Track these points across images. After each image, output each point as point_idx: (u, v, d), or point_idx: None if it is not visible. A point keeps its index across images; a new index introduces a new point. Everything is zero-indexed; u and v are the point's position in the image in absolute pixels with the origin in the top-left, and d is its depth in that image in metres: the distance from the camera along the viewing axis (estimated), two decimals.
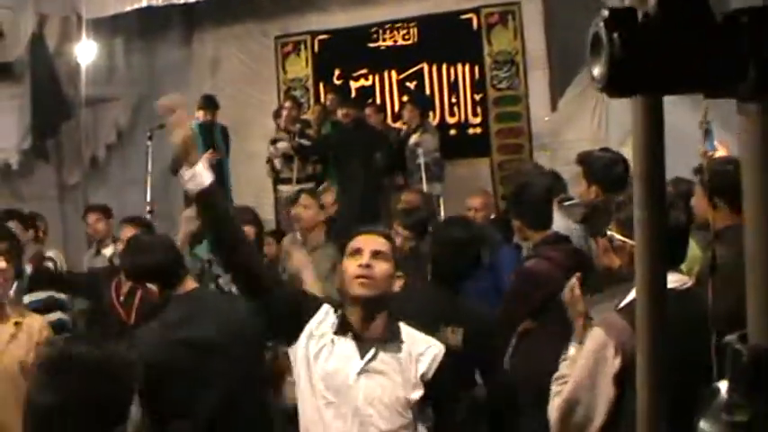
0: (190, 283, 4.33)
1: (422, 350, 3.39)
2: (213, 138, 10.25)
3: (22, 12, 10.44)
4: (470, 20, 11.65)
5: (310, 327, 3.40)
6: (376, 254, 3.37)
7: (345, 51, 12.31)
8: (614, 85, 1.22)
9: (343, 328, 3.36)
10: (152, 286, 4.33)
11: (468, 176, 11.08)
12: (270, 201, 11.20)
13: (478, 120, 11.65)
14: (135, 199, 11.15)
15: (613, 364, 2.93)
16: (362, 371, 3.31)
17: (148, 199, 9.81)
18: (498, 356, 4.82)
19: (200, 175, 3.24)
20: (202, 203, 3.33)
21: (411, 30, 11.92)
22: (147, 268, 4.33)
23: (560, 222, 5.83)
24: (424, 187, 9.32)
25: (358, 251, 3.38)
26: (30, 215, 8.15)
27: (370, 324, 3.37)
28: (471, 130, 11.69)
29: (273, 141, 10.71)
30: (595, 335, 3.02)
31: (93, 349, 2.31)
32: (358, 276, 3.33)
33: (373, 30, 12.09)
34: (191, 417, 4.09)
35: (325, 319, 3.43)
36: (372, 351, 3.33)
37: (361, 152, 10.22)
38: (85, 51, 10.93)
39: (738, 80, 1.18)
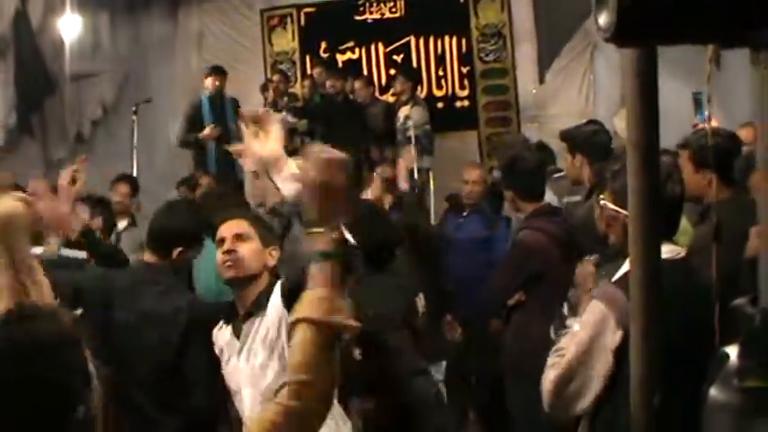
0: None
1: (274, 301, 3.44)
2: (223, 109, 10.16)
3: None
4: None
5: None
6: (238, 237, 3.55)
7: (332, 24, 12.25)
8: (622, 34, 1.18)
9: (225, 319, 3.62)
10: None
11: (456, 149, 11.07)
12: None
13: (466, 92, 11.65)
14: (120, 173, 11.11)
15: (613, 338, 2.89)
16: (242, 351, 3.47)
17: (135, 174, 9.75)
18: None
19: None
20: None
21: (398, 2, 11.87)
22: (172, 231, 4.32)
23: (550, 195, 5.85)
24: (414, 161, 9.26)
25: (221, 240, 3.58)
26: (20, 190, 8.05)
27: (243, 303, 3.54)
28: (459, 103, 11.68)
29: None
30: (595, 308, 2.98)
31: (48, 327, 2.27)
32: (224, 262, 3.51)
33: (360, 2, 12.03)
34: None
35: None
36: (245, 327, 3.48)
37: (349, 124, 10.22)
38: (70, 26, 10.82)
39: (753, 27, 1.14)
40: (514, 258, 5.20)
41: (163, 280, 4.07)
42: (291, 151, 8.21)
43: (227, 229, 3.59)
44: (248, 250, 3.52)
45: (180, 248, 4.10)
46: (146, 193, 9.80)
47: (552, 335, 3.65)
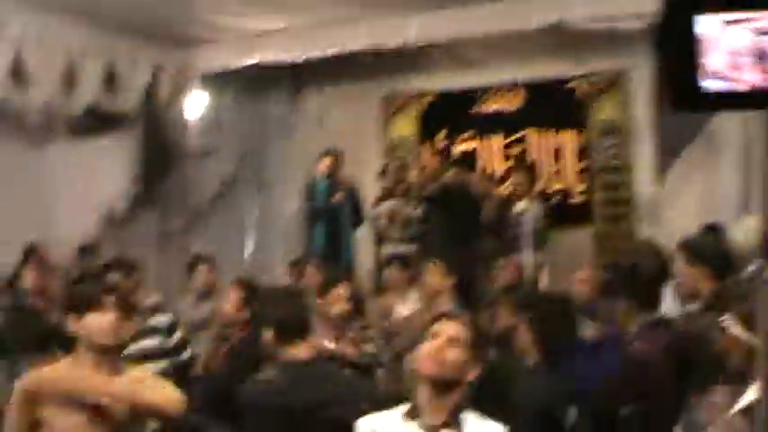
0: (305, 350, 4.33)
1: None
2: (335, 191, 10.43)
3: (138, 64, 10.67)
4: (577, 87, 11.57)
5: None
6: (451, 340, 3.45)
7: (451, 113, 12.32)
8: None
9: (411, 412, 3.43)
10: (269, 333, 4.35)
11: (570, 246, 10.94)
12: (371, 260, 11.19)
13: (582, 188, 11.54)
14: (234, 250, 11.32)
15: None
16: None
17: (246, 252, 9.93)
18: None
19: None
20: None
21: (517, 95, 11.89)
22: (271, 316, 4.35)
23: (671, 303, 5.71)
24: (529, 256, 9.20)
25: (435, 334, 3.48)
26: (130, 263, 8.19)
27: (438, 409, 3.39)
28: (574, 199, 11.57)
29: (377, 201, 10.76)
30: None
31: None
32: (429, 357, 3.42)
33: (479, 93, 12.09)
34: None
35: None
36: None
37: (464, 215, 10.24)
38: (195, 104, 11.13)
39: None
40: (626, 370, 5.06)
41: None
42: (408, 239, 8.26)
43: (444, 328, 3.51)
44: (455, 357, 3.44)
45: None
46: (259, 272, 10.01)
47: None
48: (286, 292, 4.93)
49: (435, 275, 6.78)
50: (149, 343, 6.43)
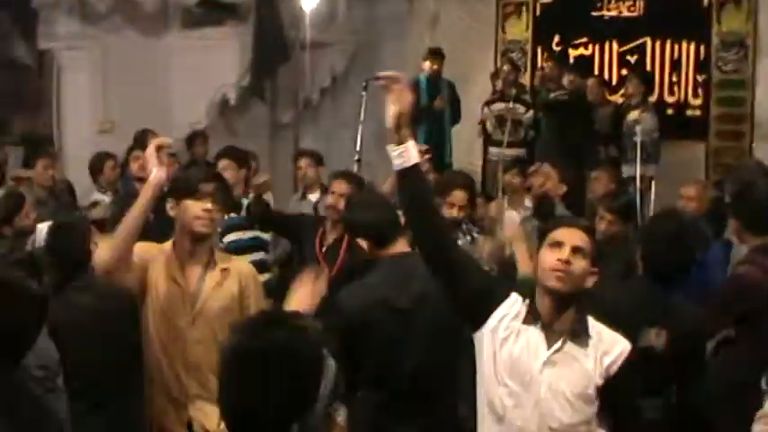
0: (401, 245, 4.31)
1: (608, 346, 3.30)
2: (439, 90, 10.39)
3: None
4: None
5: (499, 314, 3.37)
6: (576, 249, 3.29)
7: (567, 18, 12.05)
8: None
9: (532, 317, 3.32)
10: (363, 243, 4.36)
11: (682, 160, 10.74)
12: (479, 162, 11.15)
13: (699, 102, 11.23)
14: (344, 144, 11.35)
15: None
16: (548, 362, 3.26)
17: (358, 148, 9.96)
18: (701, 365, 4.59)
19: (408, 153, 3.27)
20: (403, 182, 3.34)
21: (637, 1, 11.55)
22: (362, 225, 4.37)
23: None
24: (638, 168, 9.03)
25: (558, 244, 3.30)
26: (244, 153, 8.22)
27: (560, 316, 3.31)
28: (690, 112, 11.29)
29: (488, 103, 10.68)
30: None
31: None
32: (555, 269, 3.26)
33: None
34: (387, 383, 4.11)
35: (513, 306, 3.38)
36: (559, 342, 3.27)
37: (576, 122, 10.12)
38: None
39: None
40: (727, 293, 4.95)
41: None
42: (516, 143, 8.24)
43: (568, 236, 3.33)
44: (582, 268, 3.30)
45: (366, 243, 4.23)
46: (367, 166, 10.04)
47: (764, 384, 3.49)
48: (373, 198, 4.86)
49: (550, 176, 6.67)
50: (254, 257, 6.46)
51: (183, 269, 4.08)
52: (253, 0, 10.93)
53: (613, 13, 11.72)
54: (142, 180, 7.59)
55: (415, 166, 3.29)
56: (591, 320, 3.35)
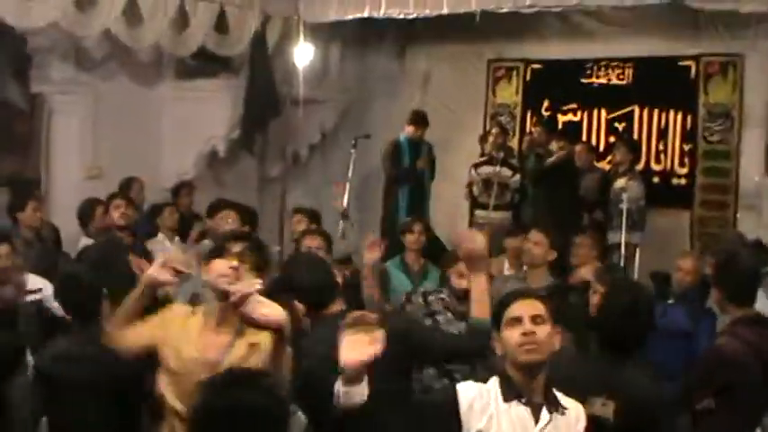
0: (337, 306, 4.36)
1: (576, 413, 3.41)
2: (420, 152, 10.47)
3: (249, 10, 10.78)
4: (689, 67, 11.27)
5: (469, 415, 3.41)
6: (535, 318, 3.41)
7: (557, 83, 12.18)
8: None
9: (513, 394, 3.39)
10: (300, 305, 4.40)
11: (667, 228, 10.79)
12: (464, 224, 11.18)
13: (685, 171, 11.27)
14: (330, 200, 11.41)
15: None
16: None
17: (345, 204, 10.01)
18: None
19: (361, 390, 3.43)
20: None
21: (626, 70, 11.67)
22: (301, 288, 4.39)
23: (764, 301, 5.58)
24: (623, 235, 9.07)
25: (518, 319, 3.42)
26: (248, 209, 8.19)
27: (533, 387, 3.39)
28: (676, 181, 11.33)
29: (475, 165, 10.73)
30: None
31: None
32: (522, 344, 3.36)
33: (588, 65, 11.89)
34: None
35: (480, 391, 3.45)
36: (547, 416, 3.35)
37: (563, 187, 10.18)
38: (302, 53, 11.19)
39: None
40: (706, 365, 4.97)
41: None
42: (502, 207, 8.29)
43: (525, 309, 3.45)
44: (546, 333, 3.41)
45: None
46: (354, 224, 10.11)
47: None
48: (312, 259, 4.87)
49: (541, 243, 6.65)
50: None
51: (209, 334, 3.98)
52: (246, 54, 10.99)
53: (603, 80, 11.83)
54: (121, 228, 7.65)
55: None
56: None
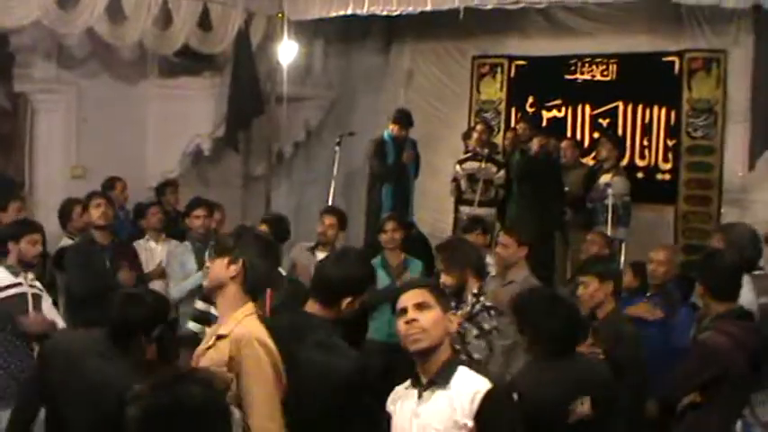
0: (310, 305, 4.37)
1: (469, 389, 3.41)
2: (403, 148, 10.49)
3: (232, 8, 10.74)
4: (672, 63, 11.31)
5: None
6: (418, 306, 3.50)
7: (541, 80, 12.22)
8: None
9: (413, 378, 3.57)
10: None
11: (651, 223, 10.84)
12: (449, 219, 11.22)
13: (669, 166, 11.32)
14: (315, 197, 11.41)
15: None
16: (414, 413, 3.49)
17: (330, 202, 10.00)
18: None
19: None
20: None
21: (610, 66, 11.71)
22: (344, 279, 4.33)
23: (748, 295, 5.61)
24: (608, 230, 9.08)
25: (403, 310, 3.53)
26: (212, 203, 8.30)
27: (426, 369, 3.51)
28: (660, 176, 11.36)
29: (461, 162, 10.75)
30: None
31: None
32: (407, 334, 3.48)
33: (572, 61, 11.92)
34: None
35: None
36: (430, 395, 3.48)
37: (547, 183, 10.20)
38: (286, 51, 11.17)
39: None
40: (694, 359, 5.02)
41: (323, 333, 3.97)
42: (487, 203, 8.32)
43: (408, 299, 3.54)
44: (430, 318, 3.47)
45: (349, 299, 4.07)
46: None
47: None
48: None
49: (508, 244, 6.68)
50: None
51: None
52: (231, 52, 10.96)
53: (587, 76, 11.87)
54: (101, 228, 7.61)
55: None
56: (462, 368, 3.49)
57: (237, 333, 3.68)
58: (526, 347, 4.42)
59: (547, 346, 4.22)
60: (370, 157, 10.64)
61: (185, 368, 2.69)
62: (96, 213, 7.59)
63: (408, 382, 3.60)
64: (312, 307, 4.07)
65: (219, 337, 3.75)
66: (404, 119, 10.55)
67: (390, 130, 10.54)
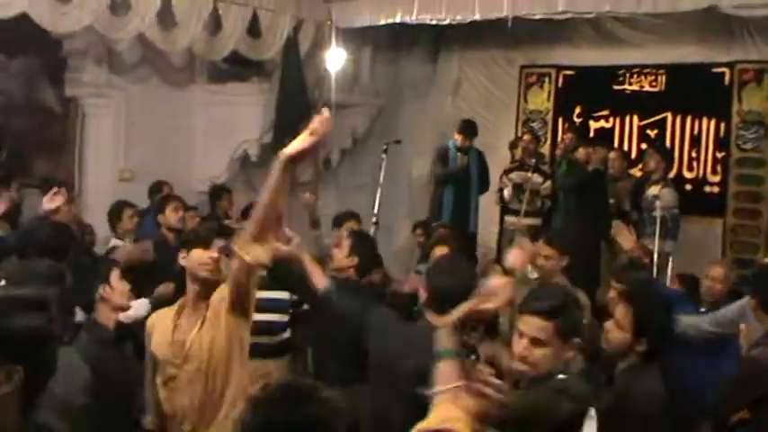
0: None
1: None
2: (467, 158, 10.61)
3: (282, 15, 10.80)
4: (722, 74, 11.19)
5: None
6: (534, 341, 3.41)
7: (589, 90, 12.16)
8: None
9: None
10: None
11: (698, 236, 10.68)
12: (495, 229, 11.17)
13: (717, 178, 11.19)
14: (361, 205, 11.40)
15: None
16: None
17: (376, 210, 10.00)
18: None
19: None
20: None
21: (659, 77, 11.61)
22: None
23: None
24: (656, 243, 8.97)
25: (521, 334, 3.45)
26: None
27: None
28: (708, 188, 11.25)
29: (507, 171, 10.73)
30: None
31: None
32: (520, 357, 3.42)
33: (620, 71, 11.85)
34: None
35: None
36: None
37: (594, 194, 10.13)
38: (334, 58, 11.21)
39: None
40: (743, 375, 4.94)
41: None
42: (533, 213, 8.26)
43: (527, 327, 3.45)
44: (541, 356, 3.40)
45: None
46: (383, 230, 10.07)
47: None
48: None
49: (549, 255, 6.61)
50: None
51: (182, 318, 4.28)
52: (279, 59, 11.02)
53: (635, 87, 11.78)
54: (172, 230, 7.75)
55: None
56: None
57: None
58: None
59: None
60: (434, 163, 10.74)
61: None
62: (175, 217, 7.85)
63: None
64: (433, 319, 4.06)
65: None
66: (468, 129, 10.61)
67: (455, 139, 10.58)
